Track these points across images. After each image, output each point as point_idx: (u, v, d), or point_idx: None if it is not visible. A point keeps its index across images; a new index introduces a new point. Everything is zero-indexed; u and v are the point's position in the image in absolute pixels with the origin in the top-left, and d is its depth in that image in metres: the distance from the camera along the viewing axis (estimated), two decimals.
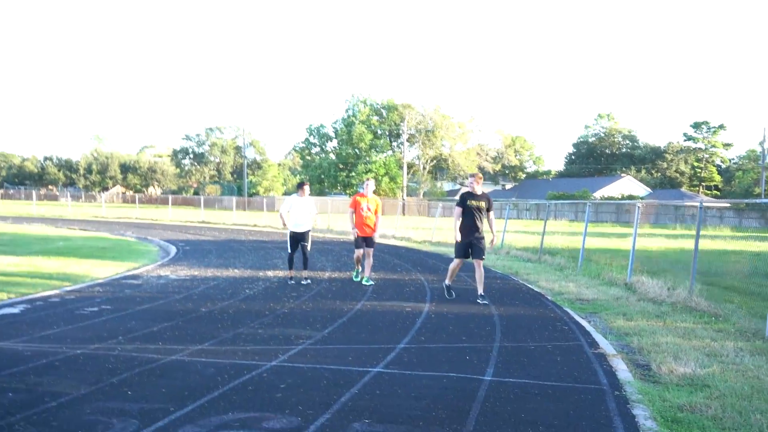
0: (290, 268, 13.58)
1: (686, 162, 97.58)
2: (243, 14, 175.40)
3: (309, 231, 13.47)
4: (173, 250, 21.82)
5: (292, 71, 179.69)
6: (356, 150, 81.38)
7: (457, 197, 11.56)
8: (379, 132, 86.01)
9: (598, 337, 8.57)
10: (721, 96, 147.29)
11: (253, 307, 10.39)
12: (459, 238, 11.28)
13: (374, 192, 13.66)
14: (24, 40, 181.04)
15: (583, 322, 9.71)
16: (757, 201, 12.91)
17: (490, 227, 11.48)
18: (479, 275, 11.39)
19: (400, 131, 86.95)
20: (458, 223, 11.34)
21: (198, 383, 6.00)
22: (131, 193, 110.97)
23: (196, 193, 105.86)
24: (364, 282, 13.42)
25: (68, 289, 12.05)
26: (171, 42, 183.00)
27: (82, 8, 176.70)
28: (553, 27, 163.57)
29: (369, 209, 13.28)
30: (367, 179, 13.59)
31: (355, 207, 13.35)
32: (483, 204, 11.29)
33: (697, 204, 12.45)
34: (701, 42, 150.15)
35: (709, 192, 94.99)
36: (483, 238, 11.32)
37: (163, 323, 8.86)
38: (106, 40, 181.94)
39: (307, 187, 13.62)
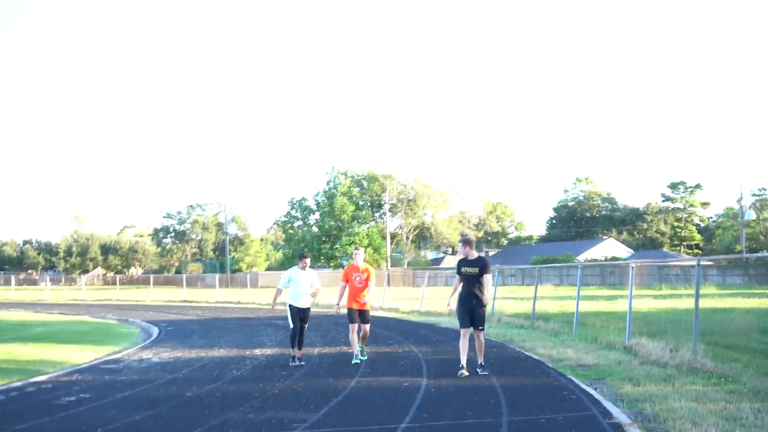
0: (293, 345, 12.25)
1: (666, 222, 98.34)
2: (222, 90, 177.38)
3: (309, 309, 12.48)
4: (155, 331, 21.14)
5: (271, 145, 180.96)
6: (339, 222, 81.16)
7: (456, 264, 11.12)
8: (361, 203, 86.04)
9: (609, 406, 8.12)
10: (696, 156, 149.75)
11: (241, 388, 9.83)
12: (451, 306, 10.96)
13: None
14: None
15: (590, 390, 9.25)
16: (762, 255, 12.59)
17: (483, 291, 10.68)
18: (479, 345, 10.77)
19: (382, 201, 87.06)
20: (455, 291, 10.91)
21: None
22: (112, 274, 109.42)
23: (178, 271, 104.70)
24: (360, 359, 12.38)
25: (45, 377, 11.41)
26: (150, 121, 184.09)
27: (58, 87, 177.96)
28: (529, 94, 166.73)
29: (362, 280, 12.40)
30: (356, 248, 12.79)
31: (348, 279, 12.52)
32: (476, 269, 10.65)
33: (694, 263, 12.16)
34: (675, 104, 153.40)
35: (690, 251, 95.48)
36: (483, 305, 10.69)
37: (146, 411, 8.28)
38: (84, 120, 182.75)
39: (308, 260, 12.59)
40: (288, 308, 12.31)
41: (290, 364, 12.05)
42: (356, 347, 12.40)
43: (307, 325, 12.45)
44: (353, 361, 12.20)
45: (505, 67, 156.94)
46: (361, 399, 8.84)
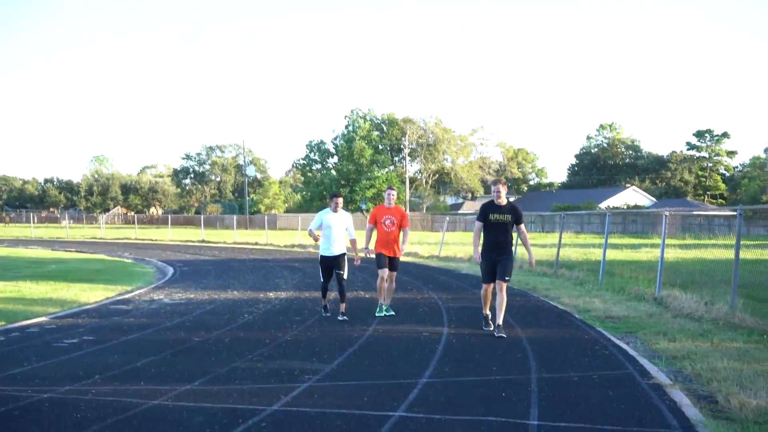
0: (324, 296, 11.37)
1: (690, 171, 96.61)
2: (242, 32, 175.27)
3: (344, 255, 11.00)
4: (170, 271, 20.79)
5: (291, 88, 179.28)
6: (357, 166, 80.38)
7: (478, 209, 9.67)
8: (380, 147, 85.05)
9: (646, 363, 7.50)
10: (724, 104, 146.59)
11: (252, 335, 9.31)
12: (478, 259, 9.45)
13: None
14: (23, 63, 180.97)
15: (623, 345, 8.63)
16: None
17: (525, 245, 9.71)
18: (500, 301, 9.27)
19: (402, 146, 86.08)
20: (478, 240, 9.54)
21: None
22: (132, 214, 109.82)
23: (197, 212, 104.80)
24: (385, 313, 11.10)
25: (51, 317, 10.99)
26: (170, 61, 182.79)
27: (79, 28, 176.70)
28: (553, 38, 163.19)
29: (393, 223, 10.98)
30: (390, 187, 11.10)
31: (375, 221, 11.08)
32: (509, 217, 9.32)
33: (734, 212, 11.38)
34: (702, 50, 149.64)
35: (714, 201, 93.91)
36: (510, 257, 9.41)
37: (149, 357, 7.78)
38: (105, 61, 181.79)
39: (340, 200, 11.04)
40: (319, 259, 11.05)
41: (323, 315, 11.08)
42: (383, 296, 11.12)
43: (345, 272, 10.92)
44: (377, 313, 11.04)
45: (531, 9, 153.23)
46: (378, 349, 8.28)
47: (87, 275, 18.65)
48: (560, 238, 21.07)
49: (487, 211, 9.43)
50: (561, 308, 12.05)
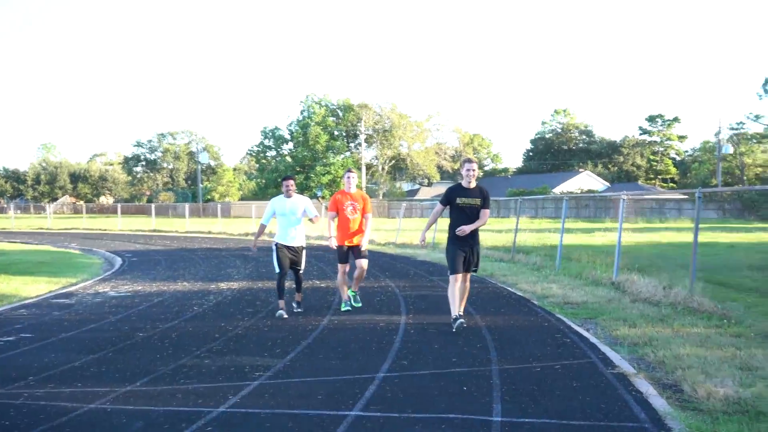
0: (281, 296, 9.74)
1: (642, 155, 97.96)
2: (194, 16, 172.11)
3: (302, 247, 10.03)
4: (118, 262, 20.15)
5: (245, 73, 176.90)
6: (313, 152, 79.74)
7: (444, 192, 8.86)
8: (336, 133, 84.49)
9: (608, 351, 7.31)
10: (675, 89, 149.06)
11: (200, 328, 8.88)
12: (422, 241, 9.04)
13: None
14: None
15: (583, 332, 8.45)
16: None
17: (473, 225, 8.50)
18: (463, 291, 8.69)
19: (357, 132, 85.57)
20: (432, 222, 9.11)
21: None
22: (82, 203, 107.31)
23: (149, 200, 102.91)
24: (353, 305, 10.35)
25: None
26: (119, 45, 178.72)
27: (26, 10, 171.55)
28: (507, 24, 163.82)
29: (355, 209, 10.05)
30: (349, 170, 10.18)
31: (337, 209, 10.13)
32: (479, 201, 8.51)
33: (695, 193, 11.30)
34: (654, 36, 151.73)
35: (665, 185, 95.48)
36: (479, 244, 8.77)
37: (89, 355, 7.32)
38: (53, 45, 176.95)
39: (292, 183, 9.92)
40: (273, 249, 9.85)
41: (279, 316, 9.53)
42: (346, 292, 10.22)
43: (302, 269, 10.07)
44: (343, 308, 10.11)
45: None
46: (333, 341, 7.94)
47: (30, 267, 17.91)
48: (517, 222, 20.96)
49: (453, 194, 8.54)
50: (519, 294, 11.86)
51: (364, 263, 10.15)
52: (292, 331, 8.64)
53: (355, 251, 10.13)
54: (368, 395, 5.65)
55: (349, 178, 10.14)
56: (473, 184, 8.56)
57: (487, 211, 8.60)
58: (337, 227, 10.15)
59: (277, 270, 9.74)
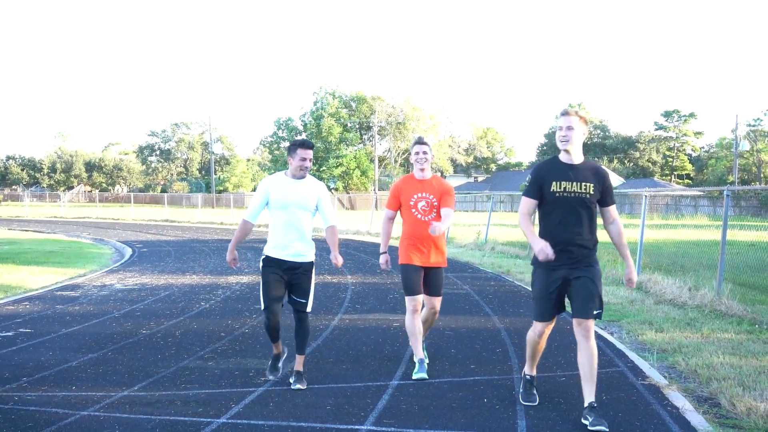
0: (274, 339, 6.03)
1: (658, 151, 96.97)
2: (208, 7, 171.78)
3: (311, 266, 5.98)
4: (128, 252, 19.86)
5: (258, 64, 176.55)
6: (326, 143, 79.26)
7: (528, 179, 5.34)
8: (349, 125, 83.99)
9: (636, 359, 6.88)
10: (691, 84, 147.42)
11: (206, 326, 8.51)
12: (546, 253, 4.87)
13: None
14: None
15: (607, 335, 8.03)
16: None
17: (618, 247, 5.43)
18: (588, 359, 5.05)
19: (371, 124, 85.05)
20: (532, 226, 5.20)
21: None
22: (97, 192, 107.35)
23: (163, 190, 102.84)
24: (419, 374, 6.05)
25: None
26: (134, 36, 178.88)
27: (43, 3, 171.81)
28: (522, 16, 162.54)
29: (431, 206, 6.30)
30: (419, 142, 6.53)
31: (399, 204, 6.49)
32: (590, 186, 5.01)
33: (723, 191, 10.83)
34: (670, 31, 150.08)
35: (681, 181, 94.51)
36: (597, 267, 5.21)
37: (88, 354, 6.96)
38: (68, 35, 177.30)
39: (310, 155, 5.95)
40: (261, 265, 6.00)
41: (269, 376, 6.07)
42: (420, 345, 6.19)
43: (309, 304, 5.93)
44: (416, 374, 6.05)
45: None
46: (344, 344, 7.55)
47: (39, 257, 17.65)
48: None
49: (547, 175, 5.05)
50: None
51: (437, 302, 6.44)
52: None
53: (430, 280, 6.32)
54: (381, 406, 5.24)
55: (418, 154, 6.39)
56: (579, 158, 5.09)
57: (613, 207, 5.24)
58: (402, 236, 6.50)
59: (263, 305, 5.87)
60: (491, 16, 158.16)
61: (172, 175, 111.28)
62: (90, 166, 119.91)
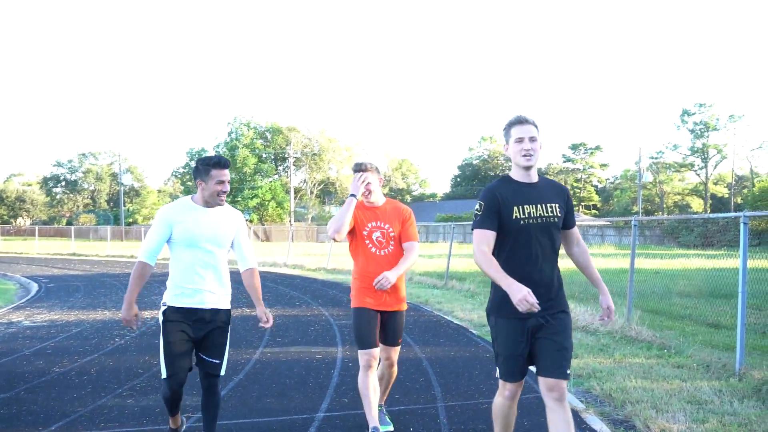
0: (173, 412, 4.88)
1: (566, 182, 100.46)
2: (118, 33, 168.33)
3: (228, 314, 4.83)
4: (34, 288, 19.08)
5: (170, 92, 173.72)
6: (240, 175, 78.59)
7: (478, 206, 4.16)
8: (264, 156, 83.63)
9: None
10: (597, 118, 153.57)
11: (122, 363, 8.27)
12: (535, 305, 3.76)
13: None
14: None
15: None
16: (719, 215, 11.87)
17: (589, 275, 4.66)
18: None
19: (286, 155, 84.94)
20: (496, 265, 3.99)
21: None
22: None
23: (69, 223, 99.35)
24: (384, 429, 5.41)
25: None
26: (37, 60, 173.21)
27: None
28: (433, 47, 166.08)
29: (387, 239, 5.30)
30: (360, 168, 5.41)
31: (352, 235, 5.37)
32: (555, 207, 4.20)
33: (631, 221, 11.33)
34: (576, 66, 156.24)
35: (588, 211, 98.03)
36: (567, 310, 4.35)
37: None
38: None
39: (226, 175, 4.81)
40: (161, 319, 4.78)
41: None
42: (374, 410, 5.09)
43: (223, 367, 4.75)
44: None
45: (412, 22, 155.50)
46: (267, 377, 7.48)
47: None
48: (450, 248, 20.84)
49: (505, 199, 4.09)
50: (456, 323, 11.62)
51: (394, 354, 5.48)
52: None
53: (388, 327, 5.33)
54: None
55: (359, 180, 5.31)
56: (535, 177, 4.22)
57: (575, 229, 4.46)
58: (354, 274, 5.39)
59: (164, 374, 4.60)
60: (403, 50, 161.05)
61: (78, 207, 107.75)
62: None
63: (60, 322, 11.89)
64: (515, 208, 4.04)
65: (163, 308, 4.68)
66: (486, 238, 4.02)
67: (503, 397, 4.23)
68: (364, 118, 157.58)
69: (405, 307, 5.41)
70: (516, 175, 4.17)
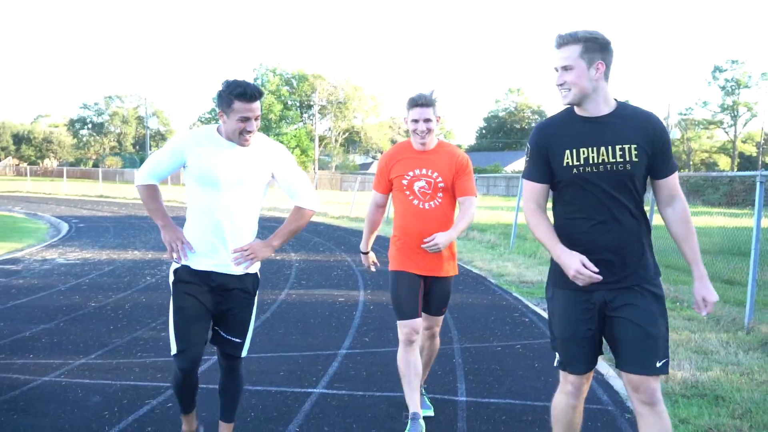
0: (187, 407, 3.91)
1: None
2: None
3: (255, 280, 3.82)
4: (65, 227, 19.62)
5: (197, 37, 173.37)
6: (266, 121, 78.74)
7: (527, 149, 3.28)
8: (290, 103, 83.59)
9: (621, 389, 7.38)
10: (625, 72, 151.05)
11: (154, 299, 8.69)
12: (593, 277, 2.96)
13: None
14: None
15: (540, 311, 8.53)
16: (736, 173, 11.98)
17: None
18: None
19: (311, 102, 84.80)
20: (548, 224, 3.21)
21: (78, 422, 4.39)
22: (24, 165, 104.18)
23: (95, 165, 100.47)
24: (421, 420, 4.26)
25: None
26: (67, 4, 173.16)
27: None
28: (464, 1, 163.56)
29: (434, 189, 4.36)
30: (416, 103, 4.33)
31: (390, 187, 4.56)
32: (633, 148, 3.07)
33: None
34: (606, 17, 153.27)
35: None
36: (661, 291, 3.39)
37: (40, 325, 7.10)
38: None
39: (258, 107, 3.55)
40: (171, 280, 3.71)
41: None
42: (417, 392, 4.30)
43: (244, 350, 3.84)
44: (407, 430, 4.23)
45: None
46: (292, 316, 7.85)
47: None
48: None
49: (554, 140, 3.18)
50: (476, 272, 11.91)
51: (437, 323, 4.71)
52: None
53: (432, 295, 4.49)
54: (331, 371, 5.60)
55: (417, 123, 4.36)
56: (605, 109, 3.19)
57: (672, 177, 3.23)
58: (393, 231, 4.59)
59: (174, 348, 3.65)
60: (434, 1, 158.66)
61: (105, 149, 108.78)
62: (18, 139, 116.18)
63: (92, 261, 12.34)
64: (567, 152, 3.08)
65: (174, 266, 3.66)
66: (534, 191, 3.20)
67: (564, 393, 3.31)
68: (390, 68, 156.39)
69: (455, 271, 4.53)
70: (582, 108, 3.13)
